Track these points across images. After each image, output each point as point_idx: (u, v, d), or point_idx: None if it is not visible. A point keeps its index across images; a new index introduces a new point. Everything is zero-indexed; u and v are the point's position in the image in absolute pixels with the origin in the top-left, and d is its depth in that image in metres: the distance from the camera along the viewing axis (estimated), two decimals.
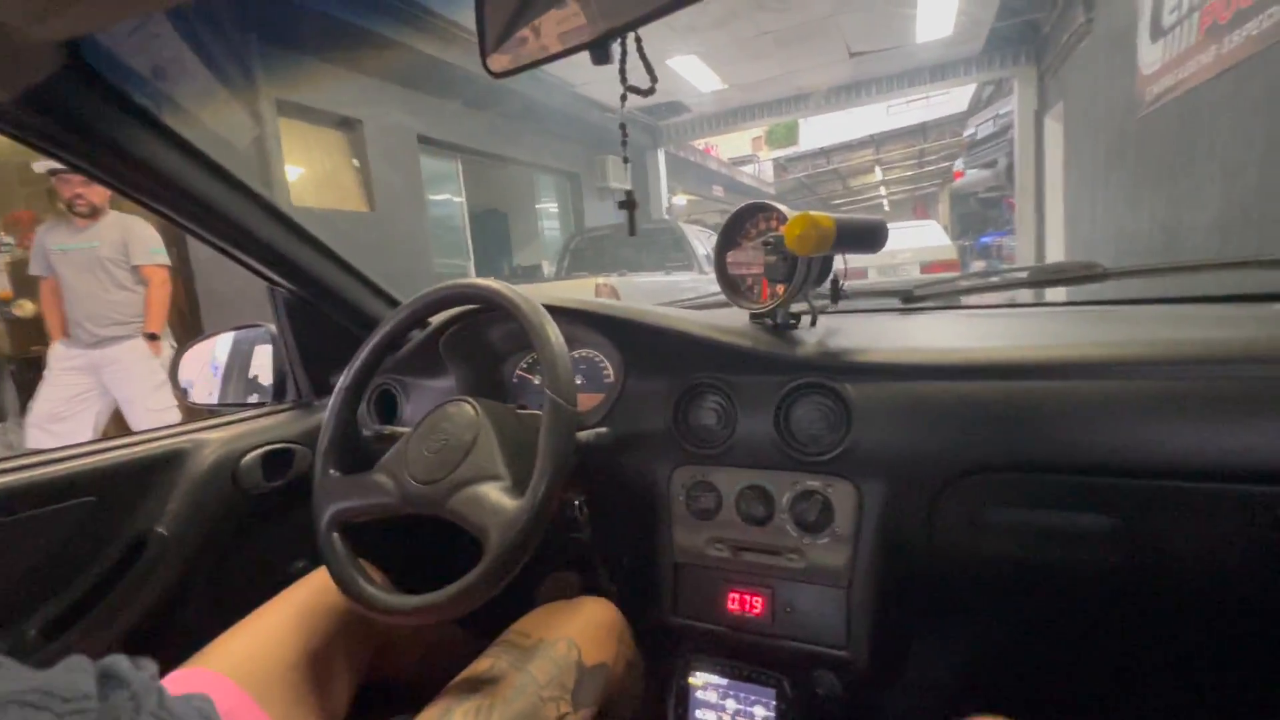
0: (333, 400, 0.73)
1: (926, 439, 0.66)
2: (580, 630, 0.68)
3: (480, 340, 0.93)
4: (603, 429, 0.74)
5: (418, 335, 0.93)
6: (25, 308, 3.51)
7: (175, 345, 3.04)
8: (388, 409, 0.97)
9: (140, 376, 2.85)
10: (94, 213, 2.74)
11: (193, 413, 1.09)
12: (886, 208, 21.48)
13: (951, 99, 12.10)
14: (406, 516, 0.65)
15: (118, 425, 2.97)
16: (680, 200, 12.40)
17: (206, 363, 1.11)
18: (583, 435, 0.70)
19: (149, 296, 2.87)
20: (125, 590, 0.72)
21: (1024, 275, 0.95)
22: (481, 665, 0.62)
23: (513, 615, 0.71)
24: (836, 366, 0.71)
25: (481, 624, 0.71)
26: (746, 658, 0.77)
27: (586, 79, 6.57)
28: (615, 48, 0.55)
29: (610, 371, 0.87)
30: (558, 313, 0.70)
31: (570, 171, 8.31)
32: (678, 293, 4.09)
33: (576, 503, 0.79)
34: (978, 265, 10.99)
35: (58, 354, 2.82)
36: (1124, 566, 0.61)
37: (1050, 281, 0.94)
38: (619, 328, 0.84)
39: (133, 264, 2.82)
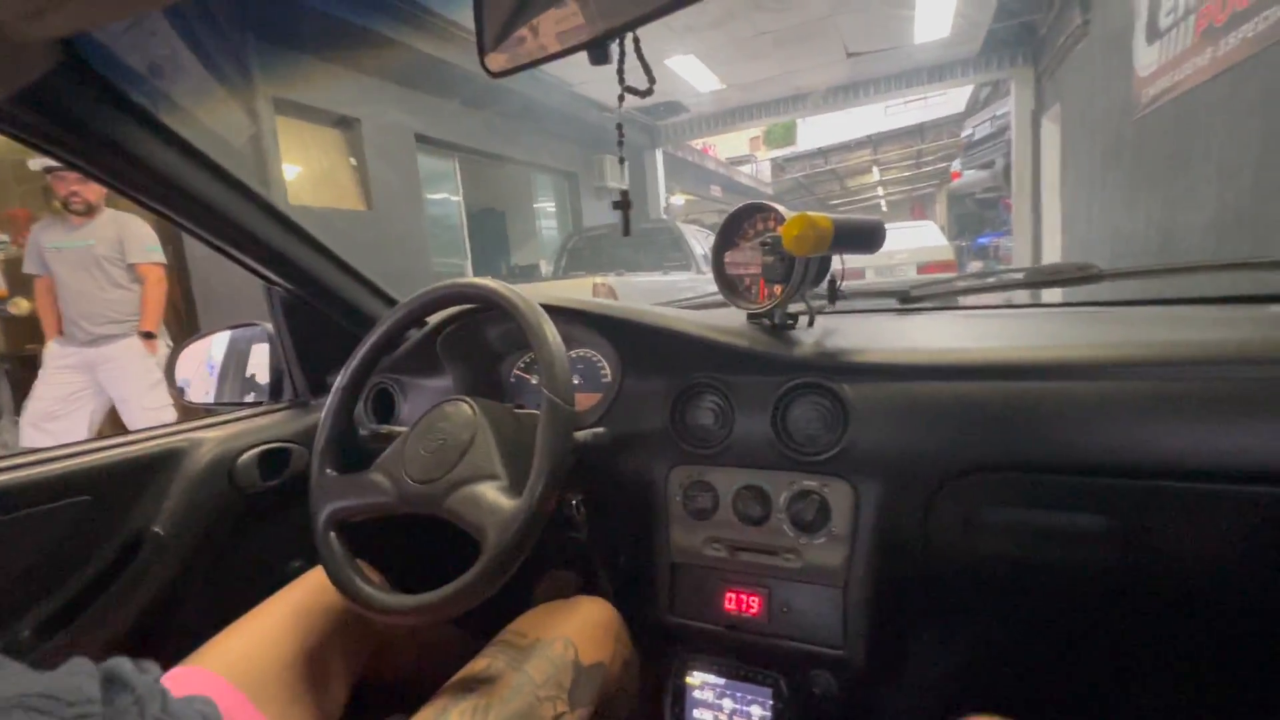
0: (330, 399, 0.73)
1: (923, 439, 0.66)
2: (577, 630, 0.68)
3: (478, 340, 0.93)
4: (600, 429, 0.74)
5: (415, 334, 0.92)
6: (20, 306, 3.49)
7: (171, 344, 3.03)
8: (385, 408, 0.97)
9: (136, 375, 2.84)
10: (90, 210, 2.73)
11: (189, 412, 1.09)
12: (884, 208, 21.52)
13: (949, 100, 12.12)
14: (403, 516, 0.65)
15: (113, 424, 2.96)
16: (678, 200, 12.40)
17: (203, 362, 1.11)
18: (580, 435, 0.70)
19: (145, 295, 2.86)
20: (121, 590, 0.72)
21: (1020, 276, 0.95)
22: (478, 665, 0.62)
23: (509, 615, 0.71)
24: (834, 367, 0.71)
25: (478, 623, 0.71)
26: (743, 657, 0.77)
27: (584, 78, 6.56)
28: (613, 48, 0.54)
29: (608, 371, 0.87)
30: (555, 312, 0.70)
31: (568, 171, 8.30)
32: (675, 292, 4.09)
33: (574, 502, 0.79)
34: (975, 265, 11.03)
35: (53, 352, 2.81)
36: (1119, 566, 0.61)
37: (1046, 283, 0.94)
38: (617, 327, 0.84)
39: (128, 262, 2.81)
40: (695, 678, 0.79)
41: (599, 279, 4.22)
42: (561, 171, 8.31)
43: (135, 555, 0.73)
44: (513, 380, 0.95)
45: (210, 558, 0.80)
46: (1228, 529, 0.57)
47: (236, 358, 1.10)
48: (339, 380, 0.73)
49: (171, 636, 0.75)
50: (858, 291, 0.98)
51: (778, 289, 0.75)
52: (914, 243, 6.30)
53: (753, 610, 0.74)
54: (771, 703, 0.75)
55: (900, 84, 8.04)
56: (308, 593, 0.71)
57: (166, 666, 0.59)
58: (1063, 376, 0.62)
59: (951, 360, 0.68)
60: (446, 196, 6.63)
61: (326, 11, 4.30)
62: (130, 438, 0.80)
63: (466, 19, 0.57)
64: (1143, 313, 0.86)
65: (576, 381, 0.89)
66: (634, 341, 0.83)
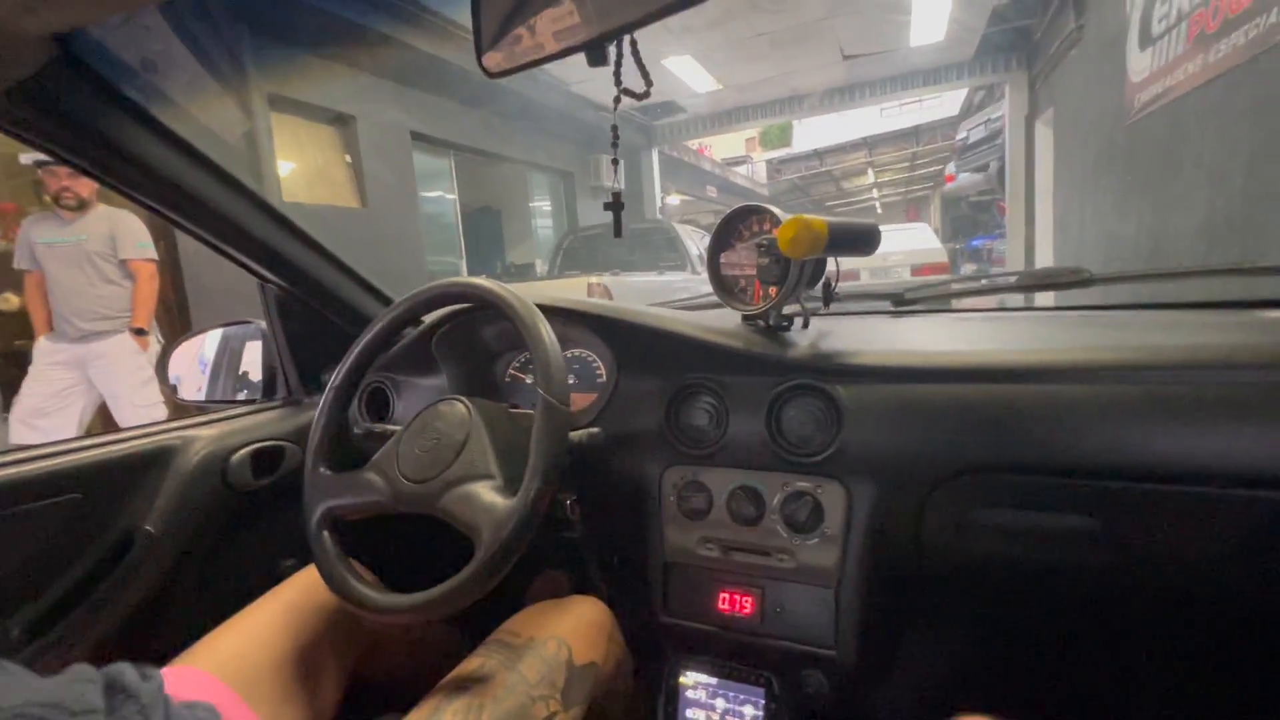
0: (324, 398, 0.72)
1: (916, 441, 0.66)
2: (570, 629, 0.68)
3: (473, 339, 0.93)
4: (595, 429, 0.74)
5: (410, 333, 0.92)
6: (10, 301, 3.46)
7: (162, 341, 3.01)
8: (379, 407, 0.97)
9: (127, 372, 2.82)
10: (81, 206, 2.71)
11: (181, 409, 1.08)
12: (879, 210, 21.61)
13: (943, 103, 12.15)
14: (397, 515, 0.65)
15: (104, 421, 2.94)
16: (674, 200, 12.40)
17: (195, 359, 1.10)
18: (575, 435, 0.70)
19: (136, 291, 2.84)
20: (111, 588, 0.71)
21: (1014, 280, 0.96)
22: (471, 664, 0.62)
23: (503, 614, 0.71)
24: (828, 368, 0.71)
25: (471, 623, 0.71)
26: (736, 657, 0.77)
27: (581, 78, 6.56)
28: (611, 49, 0.55)
29: (603, 371, 0.87)
30: (551, 312, 0.70)
31: (564, 170, 8.30)
32: (671, 293, 4.09)
33: (568, 502, 0.79)
34: (968, 268, 11.08)
35: (43, 349, 2.79)
36: (1110, 567, 0.62)
37: (1039, 286, 0.95)
38: (612, 328, 0.84)
39: (120, 258, 2.79)
40: (688, 677, 0.80)
41: (594, 279, 4.22)
42: (557, 171, 8.30)
43: (127, 553, 0.72)
44: (508, 380, 0.95)
45: (202, 556, 0.80)
46: (1217, 532, 0.57)
47: (229, 355, 1.09)
48: (333, 379, 0.73)
49: (163, 635, 0.74)
50: (852, 294, 0.98)
51: (773, 291, 0.76)
52: (908, 245, 6.35)
53: (746, 610, 0.74)
54: (764, 703, 0.75)
55: (895, 87, 8.07)
56: (301, 591, 0.70)
57: (158, 665, 0.59)
58: (1055, 380, 0.63)
59: (945, 363, 0.68)
60: (442, 195, 6.61)
61: (323, 8, 4.28)
62: (121, 435, 0.79)
63: (464, 17, 0.57)
64: (1134, 317, 0.87)
65: (571, 381, 0.89)
66: (629, 342, 0.83)
